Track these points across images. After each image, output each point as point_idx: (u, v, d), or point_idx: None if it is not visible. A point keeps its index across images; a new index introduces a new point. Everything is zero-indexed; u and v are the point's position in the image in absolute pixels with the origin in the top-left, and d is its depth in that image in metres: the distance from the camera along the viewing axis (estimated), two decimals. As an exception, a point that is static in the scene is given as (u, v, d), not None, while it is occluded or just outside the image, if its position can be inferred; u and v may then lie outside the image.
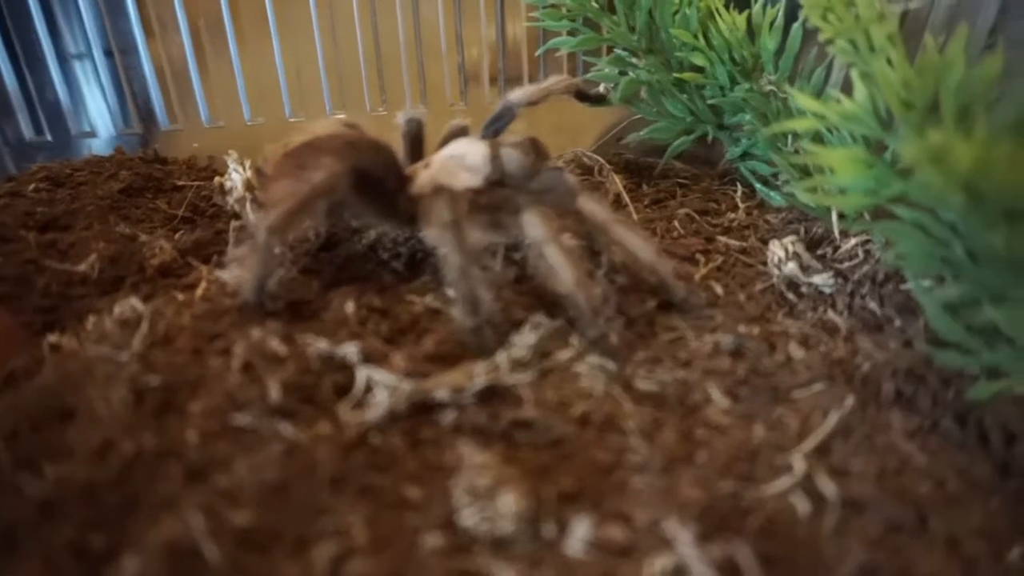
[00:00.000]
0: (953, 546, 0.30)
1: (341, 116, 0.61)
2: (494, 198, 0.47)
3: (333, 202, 0.45)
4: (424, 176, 0.50)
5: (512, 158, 0.49)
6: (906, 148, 0.29)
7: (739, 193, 0.59)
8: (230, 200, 0.55)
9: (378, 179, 0.48)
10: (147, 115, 0.64)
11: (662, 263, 0.45)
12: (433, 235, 0.43)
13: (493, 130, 0.53)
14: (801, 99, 0.41)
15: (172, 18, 0.61)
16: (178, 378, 0.37)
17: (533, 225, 0.42)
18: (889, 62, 0.38)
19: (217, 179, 0.57)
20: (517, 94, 0.54)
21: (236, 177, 0.53)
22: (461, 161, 0.49)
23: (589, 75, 0.62)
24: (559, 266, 0.41)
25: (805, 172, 0.52)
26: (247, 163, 0.56)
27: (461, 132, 0.55)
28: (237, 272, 0.45)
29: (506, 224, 0.45)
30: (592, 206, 0.45)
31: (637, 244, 0.45)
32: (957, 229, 0.35)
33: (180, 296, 0.45)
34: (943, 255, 0.37)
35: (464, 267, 0.40)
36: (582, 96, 0.59)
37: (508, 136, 0.53)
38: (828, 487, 0.32)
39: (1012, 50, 0.46)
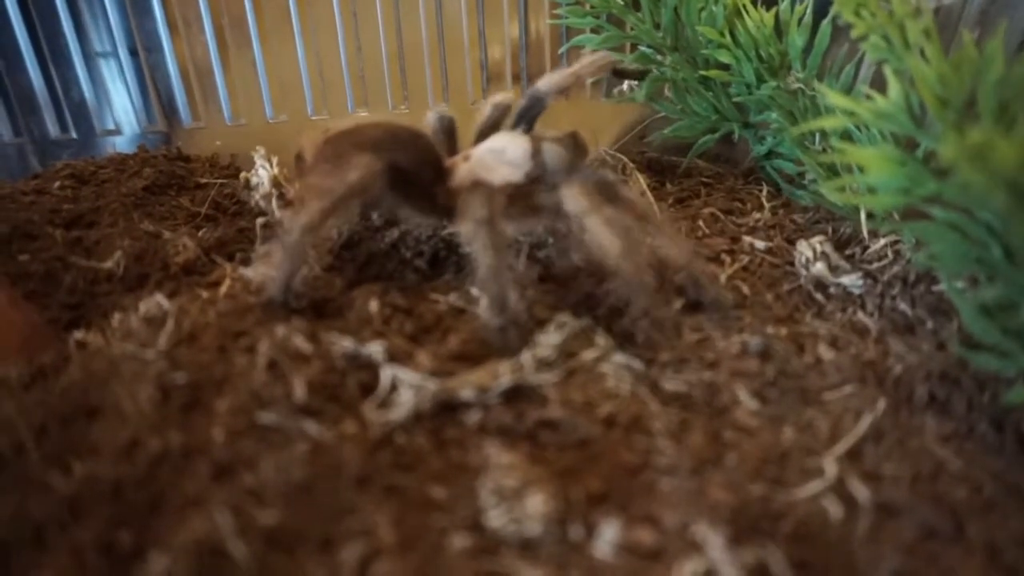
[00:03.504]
0: (992, 554, 0.29)
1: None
2: (533, 193, 0.46)
3: (369, 198, 0.44)
4: (463, 169, 0.49)
5: (553, 153, 0.48)
6: (945, 147, 0.29)
7: (764, 192, 0.59)
8: (256, 196, 0.55)
9: (416, 173, 0.47)
10: (170, 113, 0.64)
11: (697, 262, 0.44)
12: (466, 231, 0.42)
13: (525, 122, 0.52)
14: (832, 97, 0.40)
15: (196, 17, 0.61)
16: (204, 376, 0.36)
17: (573, 199, 0.41)
18: (924, 58, 0.37)
19: (243, 175, 0.57)
20: (545, 82, 0.52)
21: (263, 173, 0.53)
22: (501, 155, 0.49)
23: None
24: (603, 237, 0.39)
25: (833, 171, 0.51)
26: (274, 160, 0.56)
27: (504, 111, 0.53)
28: (263, 269, 0.45)
29: (544, 205, 0.44)
30: (632, 196, 0.44)
31: (675, 241, 0.44)
32: (994, 230, 0.35)
33: (204, 294, 0.45)
34: (978, 256, 0.36)
35: (495, 266, 0.40)
36: (620, 72, 0.58)
37: (541, 129, 0.53)
38: (861, 491, 0.32)
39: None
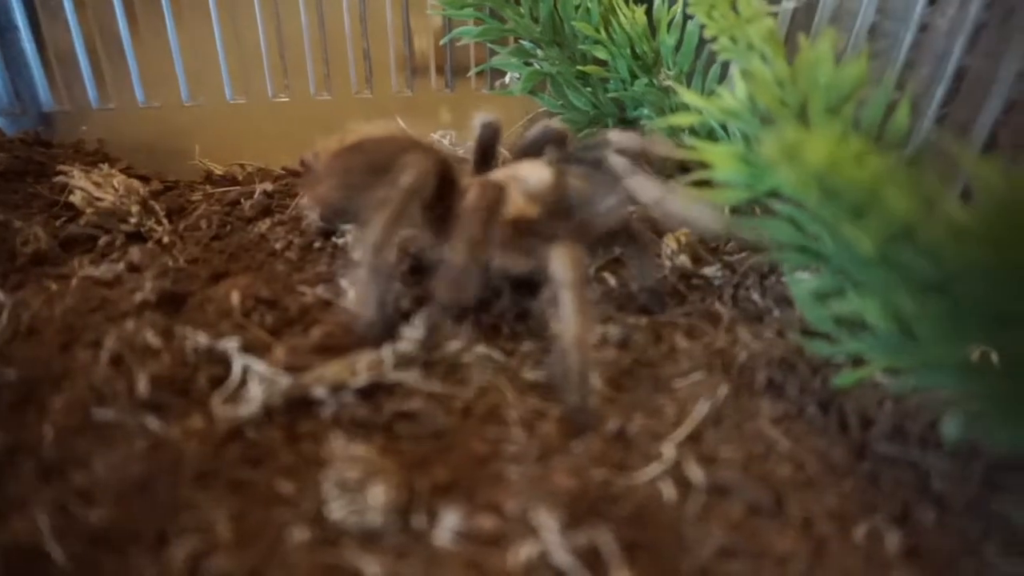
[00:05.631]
0: (806, 526, 0.31)
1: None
2: (541, 228, 0.43)
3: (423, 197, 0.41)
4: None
5: (578, 192, 0.45)
6: (766, 144, 0.30)
7: (640, 186, 0.60)
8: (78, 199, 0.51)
9: (446, 187, 0.43)
10: (28, 95, 0.60)
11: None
12: (452, 245, 0.39)
13: (531, 150, 0.50)
14: (685, 94, 0.42)
15: (56, -8, 0.58)
16: (40, 372, 0.35)
17: (559, 263, 0.38)
18: (765, 60, 0.39)
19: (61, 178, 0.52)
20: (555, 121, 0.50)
21: (79, 194, 0.50)
22: (523, 185, 0.45)
23: (493, 62, 0.62)
24: (568, 316, 0.37)
25: (702, 167, 0.53)
26: (104, 166, 0.53)
27: (495, 131, 0.50)
28: (352, 299, 0.43)
29: (536, 251, 0.41)
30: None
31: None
32: (826, 221, 0.37)
33: (54, 286, 0.43)
34: (815, 247, 0.38)
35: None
36: None
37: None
38: (696, 473, 0.33)
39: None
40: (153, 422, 0.33)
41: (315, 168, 0.46)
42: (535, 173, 0.46)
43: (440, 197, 0.43)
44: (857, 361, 0.38)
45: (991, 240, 0.27)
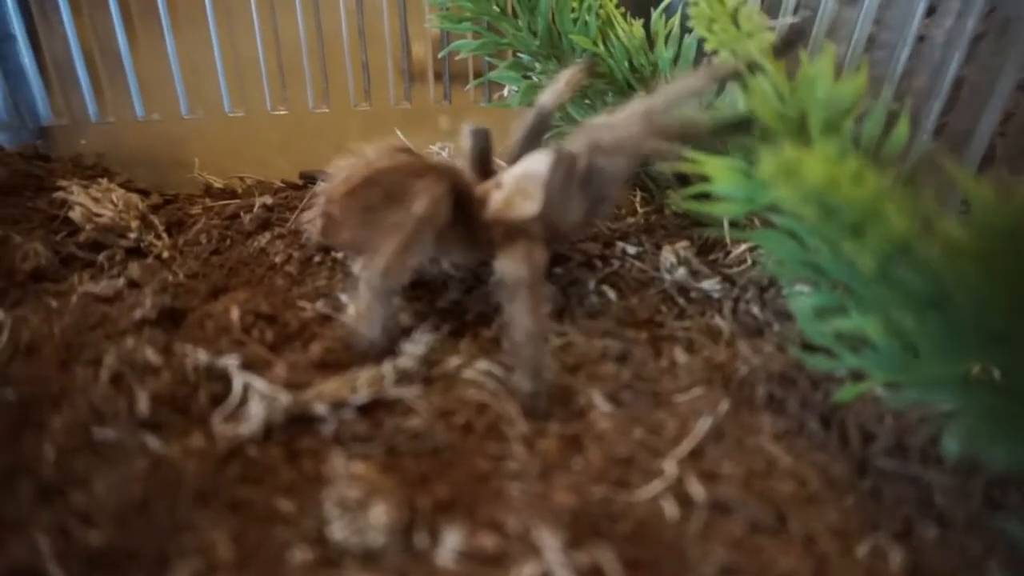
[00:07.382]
0: (808, 544, 0.31)
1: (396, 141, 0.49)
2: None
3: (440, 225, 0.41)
4: (497, 198, 0.46)
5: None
6: (763, 162, 0.30)
7: (638, 198, 0.60)
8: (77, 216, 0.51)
9: (463, 203, 0.43)
10: (27, 109, 0.60)
11: None
12: (504, 287, 0.39)
13: (530, 141, 0.50)
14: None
15: (54, 4, 0.58)
16: (39, 391, 0.35)
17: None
18: (764, 74, 0.39)
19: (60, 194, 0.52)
20: (547, 97, 0.50)
21: (78, 210, 0.50)
22: (538, 180, 0.45)
23: (491, 76, 0.62)
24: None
25: (704, 179, 0.53)
26: (103, 182, 0.53)
27: (485, 137, 0.49)
28: (355, 320, 0.42)
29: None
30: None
31: None
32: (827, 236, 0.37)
33: (54, 303, 0.43)
34: (814, 261, 0.38)
35: (534, 332, 0.38)
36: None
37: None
38: (697, 490, 0.33)
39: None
40: (153, 441, 0.33)
41: (331, 213, 0.44)
42: (543, 164, 0.45)
43: (460, 213, 0.43)
44: (857, 375, 0.38)
45: (985, 259, 0.27)
